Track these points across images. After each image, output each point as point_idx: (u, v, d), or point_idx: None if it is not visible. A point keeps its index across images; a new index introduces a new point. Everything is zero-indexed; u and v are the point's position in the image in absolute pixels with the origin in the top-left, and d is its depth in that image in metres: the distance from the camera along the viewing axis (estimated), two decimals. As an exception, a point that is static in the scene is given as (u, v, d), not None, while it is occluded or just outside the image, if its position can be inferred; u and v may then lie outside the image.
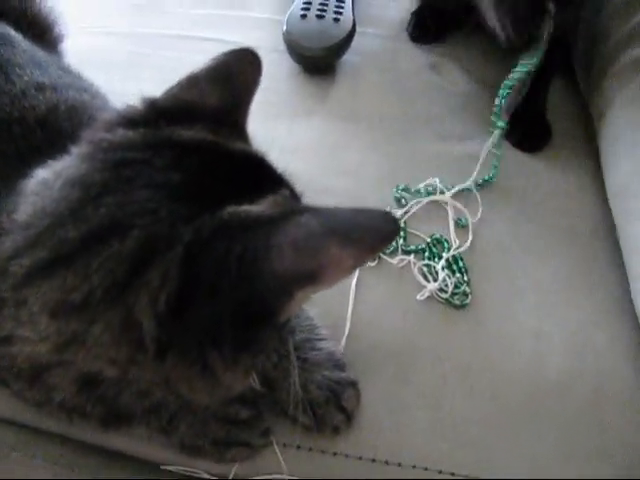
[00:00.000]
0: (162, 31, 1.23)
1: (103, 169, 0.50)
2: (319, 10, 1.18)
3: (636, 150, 0.93)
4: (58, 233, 0.49)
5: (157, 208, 0.47)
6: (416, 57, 1.24)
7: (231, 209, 0.48)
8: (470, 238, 0.92)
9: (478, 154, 1.00)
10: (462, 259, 0.90)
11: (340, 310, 0.83)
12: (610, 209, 0.96)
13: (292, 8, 1.18)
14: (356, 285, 0.85)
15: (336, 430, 0.72)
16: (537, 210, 0.98)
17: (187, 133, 0.51)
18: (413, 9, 1.30)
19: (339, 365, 0.74)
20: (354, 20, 1.19)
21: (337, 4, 1.20)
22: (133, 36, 1.23)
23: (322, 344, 0.74)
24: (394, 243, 0.89)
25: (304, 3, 1.19)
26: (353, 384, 0.74)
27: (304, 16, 1.16)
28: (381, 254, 0.88)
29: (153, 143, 0.51)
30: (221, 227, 0.47)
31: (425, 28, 1.27)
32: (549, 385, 0.80)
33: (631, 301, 0.86)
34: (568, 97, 1.17)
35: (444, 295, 0.86)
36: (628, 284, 0.88)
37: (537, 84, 1.06)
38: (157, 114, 0.53)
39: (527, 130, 1.07)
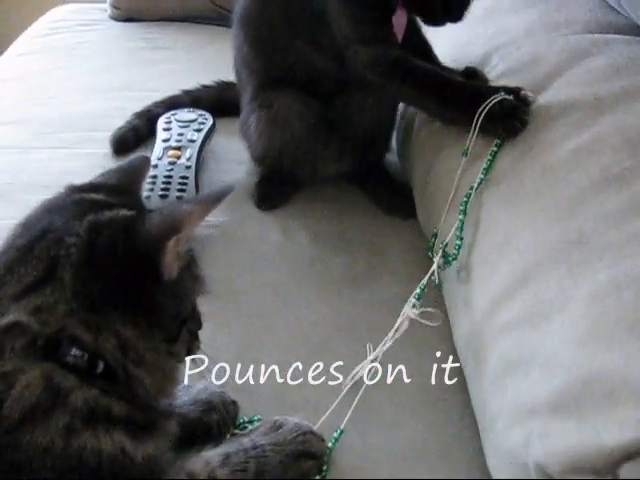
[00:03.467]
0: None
1: (41, 212, 0.76)
2: (162, 189, 1.20)
3: (471, 308, 0.96)
4: (12, 253, 0.72)
5: (66, 224, 0.71)
6: (265, 221, 1.28)
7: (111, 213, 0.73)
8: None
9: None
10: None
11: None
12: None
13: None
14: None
15: None
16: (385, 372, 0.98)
17: (91, 195, 0.77)
18: (256, 180, 1.35)
19: None
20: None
21: (180, 180, 1.23)
22: None
23: None
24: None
25: (149, 182, 1.21)
26: None
27: (147, 197, 1.18)
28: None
29: (70, 200, 0.76)
30: (111, 220, 0.71)
31: (269, 197, 1.32)
32: None
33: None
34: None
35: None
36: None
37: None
38: (75, 189, 0.78)
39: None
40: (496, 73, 1.15)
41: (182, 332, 0.77)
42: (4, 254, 0.73)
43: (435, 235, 1.09)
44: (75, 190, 0.79)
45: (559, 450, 0.71)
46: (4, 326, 0.68)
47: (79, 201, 0.76)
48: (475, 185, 1.00)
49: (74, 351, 0.68)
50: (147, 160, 0.88)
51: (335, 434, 0.89)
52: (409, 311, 0.93)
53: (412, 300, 0.94)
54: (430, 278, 0.99)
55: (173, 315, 0.74)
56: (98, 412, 0.68)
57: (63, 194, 0.79)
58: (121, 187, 0.81)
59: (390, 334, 0.93)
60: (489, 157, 1.02)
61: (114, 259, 0.69)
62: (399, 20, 1.14)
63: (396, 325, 0.93)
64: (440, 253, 1.00)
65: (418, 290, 0.97)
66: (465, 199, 1.01)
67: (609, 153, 0.89)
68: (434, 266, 1.00)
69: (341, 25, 1.17)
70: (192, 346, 0.81)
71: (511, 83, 1.08)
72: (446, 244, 1.02)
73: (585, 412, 0.70)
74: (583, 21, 1.17)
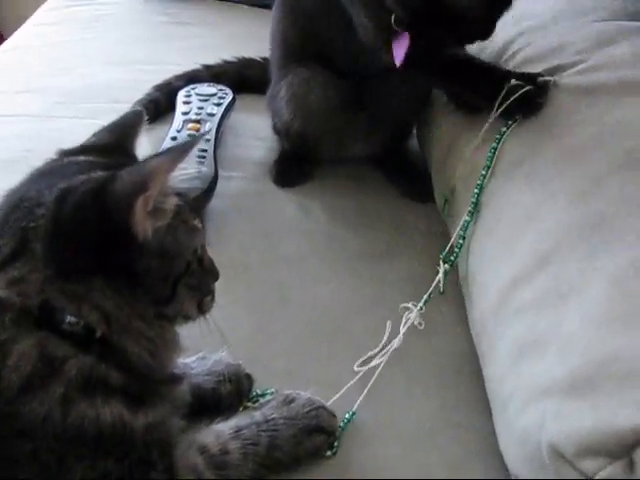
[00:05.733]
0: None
1: (27, 181, 0.74)
2: (181, 161, 1.19)
3: (487, 290, 0.96)
4: None
5: (39, 193, 0.70)
6: (282, 198, 1.28)
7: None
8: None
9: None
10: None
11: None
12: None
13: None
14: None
15: None
16: (400, 352, 0.98)
17: (79, 158, 0.76)
18: (276, 156, 1.34)
19: None
20: (216, 170, 1.21)
21: (199, 153, 1.22)
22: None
23: None
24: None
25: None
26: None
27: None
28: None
29: (58, 165, 0.76)
30: (80, 185, 0.69)
31: (288, 174, 1.31)
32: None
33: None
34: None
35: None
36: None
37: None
38: (65, 154, 0.77)
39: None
40: (521, 58, 1.14)
41: (177, 291, 0.73)
42: None
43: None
44: (65, 154, 0.78)
45: (573, 431, 0.70)
46: None
47: (67, 165, 0.75)
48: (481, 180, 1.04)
49: (69, 318, 0.67)
50: (140, 114, 0.85)
51: (347, 415, 0.89)
52: (413, 316, 0.98)
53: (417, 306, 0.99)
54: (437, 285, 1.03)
55: (162, 275, 0.72)
56: (94, 382, 0.68)
57: (53, 160, 0.77)
58: (113, 146, 0.79)
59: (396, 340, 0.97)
60: (494, 143, 1.04)
61: (83, 225, 0.68)
62: (400, 44, 1.08)
63: (402, 329, 0.98)
64: (442, 265, 1.04)
65: (425, 297, 1.01)
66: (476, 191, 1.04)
67: (631, 136, 0.89)
68: (439, 275, 1.02)
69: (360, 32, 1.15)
70: (203, 303, 0.78)
71: (536, 68, 1.08)
72: (447, 254, 1.05)
73: (601, 394, 0.70)
74: (610, 8, 1.16)
